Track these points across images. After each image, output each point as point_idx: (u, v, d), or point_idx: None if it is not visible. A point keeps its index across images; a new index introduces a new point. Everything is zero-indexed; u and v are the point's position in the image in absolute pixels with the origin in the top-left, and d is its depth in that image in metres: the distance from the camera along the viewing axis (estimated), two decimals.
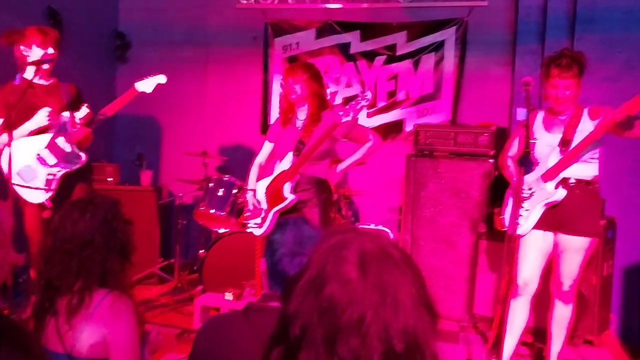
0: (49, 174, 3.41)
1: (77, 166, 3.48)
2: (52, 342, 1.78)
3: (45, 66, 3.43)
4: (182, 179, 5.01)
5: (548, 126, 3.18)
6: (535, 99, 3.04)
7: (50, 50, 3.44)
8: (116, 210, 1.90)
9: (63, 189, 3.42)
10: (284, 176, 3.53)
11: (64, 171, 3.43)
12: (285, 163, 3.56)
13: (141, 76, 5.74)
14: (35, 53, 3.41)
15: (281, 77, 3.71)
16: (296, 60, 5.48)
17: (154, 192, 5.14)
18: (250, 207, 3.68)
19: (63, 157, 3.44)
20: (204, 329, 1.73)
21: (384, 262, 0.94)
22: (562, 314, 3.19)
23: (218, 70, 5.69)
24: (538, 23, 4.73)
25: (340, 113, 3.44)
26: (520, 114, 2.84)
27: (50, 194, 3.39)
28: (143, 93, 3.63)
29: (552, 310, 3.23)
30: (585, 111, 3.12)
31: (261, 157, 3.80)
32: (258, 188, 3.68)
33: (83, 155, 3.49)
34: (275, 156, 3.76)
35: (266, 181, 3.66)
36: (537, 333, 3.69)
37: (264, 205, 3.59)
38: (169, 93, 5.69)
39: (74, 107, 3.50)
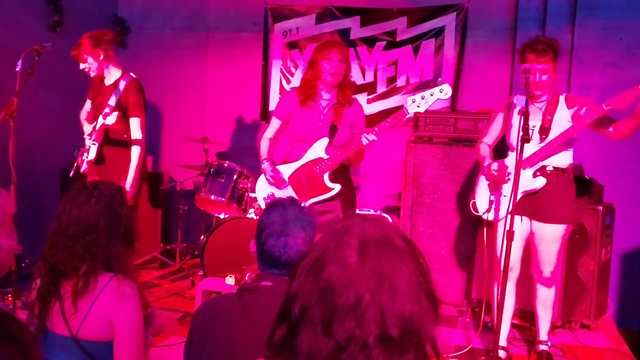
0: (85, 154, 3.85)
1: (87, 159, 3.78)
2: (57, 326, 1.81)
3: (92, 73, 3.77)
4: (183, 164, 5.03)
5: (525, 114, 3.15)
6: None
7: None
8: (120, 196, 1.93)
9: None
10: (326, 165, 3.29)
11: (86, 159, 3.79)
12: (319, 150, 3.32)
13: (140, 61, 5.77)
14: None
15: (326, 55, 3.31)
16: (296, 45, 5.48)
17: (155, 178, 5.17)
18: (269, 178, 3.41)
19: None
20: (200, 310, 1.80)
21: (384, 248, 0.96)
22: (545, 296, 3.27)
23: (218, 56, 5.68)
24: (539, 10, 4.73)
25: (407, 105, 3.21)
26: (520, 100, 2.84)
27: (83, 169, 3.79)
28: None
29: (535, 294, 3.30)
30: (562, 98, 3.14)
31: (270, 133, 3.55)
32: (283, 171, 3.46)
33: (92, 154, 3.76)
34: (294, 138, 3.47)
35: (292, 166, 3.41)
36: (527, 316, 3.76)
37: (285, 177, 3.41)
38: (169, 78, 5.72)
39: (121, 108, 3.70)
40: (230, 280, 3.95)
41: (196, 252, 4.87)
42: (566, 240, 3.25)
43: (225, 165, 4.41)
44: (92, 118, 3.84)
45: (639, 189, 4.44)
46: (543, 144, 3.06)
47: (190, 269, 4.81)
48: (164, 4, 5.73)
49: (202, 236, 4.62)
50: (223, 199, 4.32)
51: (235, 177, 4.34)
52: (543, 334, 3.34)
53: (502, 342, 3.28)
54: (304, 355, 0.93)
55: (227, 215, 4.43)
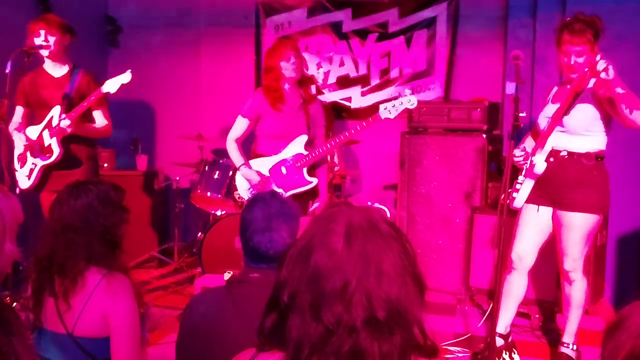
0: (32, 163, 3.49)
1: (49, 161, 3.45)
2: (51, 323, 1.82)
3: (44, 52, 3.46)
4: (178, 162, 5.03)
5: (555, 98, 3.06)
6: (526, 72, 3.03)
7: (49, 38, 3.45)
8: (106, 195, 1.89)
9: (47, 179, 3.50)
10: (306, 161, 3.57)
11: (41, 163, 3.46)
12: (298, 146, 3.58)
13: (133, 60, 5.76)
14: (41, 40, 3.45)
15: (282, 55, 3.56)
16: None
17: (151, 177, 5.17)
18: (254, 181, 3.60)
19: (40, 150, 3.48)
20: (189, 305, 1.80)
21: (370, 234, 0.98)
22: (567, 292, 3.12)
23: (210, 52, 5.67)
24: None
25: (380, 111, 3.54)
26: (510, 87, 2.83)
27: (31, 182, 3.47)
28: (108, 93, 3.47)
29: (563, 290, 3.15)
30: (592, 82, 2.84)
31: (236, 133, 3.67)
32: (257, 167, 3.64)
33: (56, 151, 3.45)
34: (269, 135, 3.63)
35: (271, 160, 3.62)
36: (539, 305, 3.77)
37: (266, 170, 3.61)
38: (162, 76, 5.71)
39: (79, 100, 3.47)
40: (228, 276, 3.96)
41: (194, 250, 4.87)
42: (589, 232, 2.99)
43: (220, 161, 4.41)
44: (30, 120, 3.56)
45: (633, 172, 4.45)
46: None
47: (188, 266, 4.82)
48: (155, 2, 5.72)
49: (200, 233, 4.63)
50: (219, 196, 4.32)
51: (230, 173, 4.34)
52: (566, 335, 3.14)
53: (502, 329, 3.21)
54: (293, 342, 0.94)
55: (223, 212, 4.44)
